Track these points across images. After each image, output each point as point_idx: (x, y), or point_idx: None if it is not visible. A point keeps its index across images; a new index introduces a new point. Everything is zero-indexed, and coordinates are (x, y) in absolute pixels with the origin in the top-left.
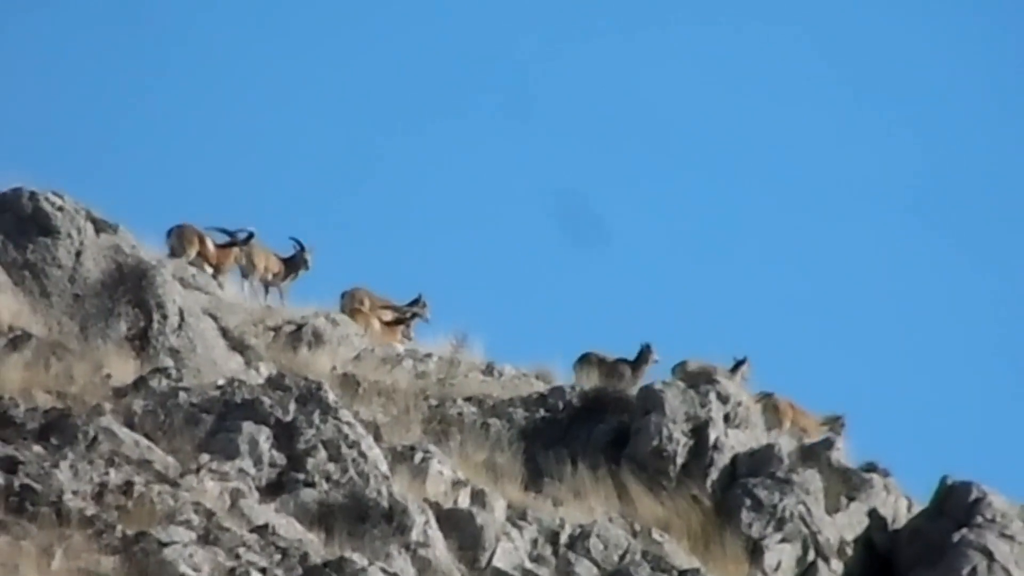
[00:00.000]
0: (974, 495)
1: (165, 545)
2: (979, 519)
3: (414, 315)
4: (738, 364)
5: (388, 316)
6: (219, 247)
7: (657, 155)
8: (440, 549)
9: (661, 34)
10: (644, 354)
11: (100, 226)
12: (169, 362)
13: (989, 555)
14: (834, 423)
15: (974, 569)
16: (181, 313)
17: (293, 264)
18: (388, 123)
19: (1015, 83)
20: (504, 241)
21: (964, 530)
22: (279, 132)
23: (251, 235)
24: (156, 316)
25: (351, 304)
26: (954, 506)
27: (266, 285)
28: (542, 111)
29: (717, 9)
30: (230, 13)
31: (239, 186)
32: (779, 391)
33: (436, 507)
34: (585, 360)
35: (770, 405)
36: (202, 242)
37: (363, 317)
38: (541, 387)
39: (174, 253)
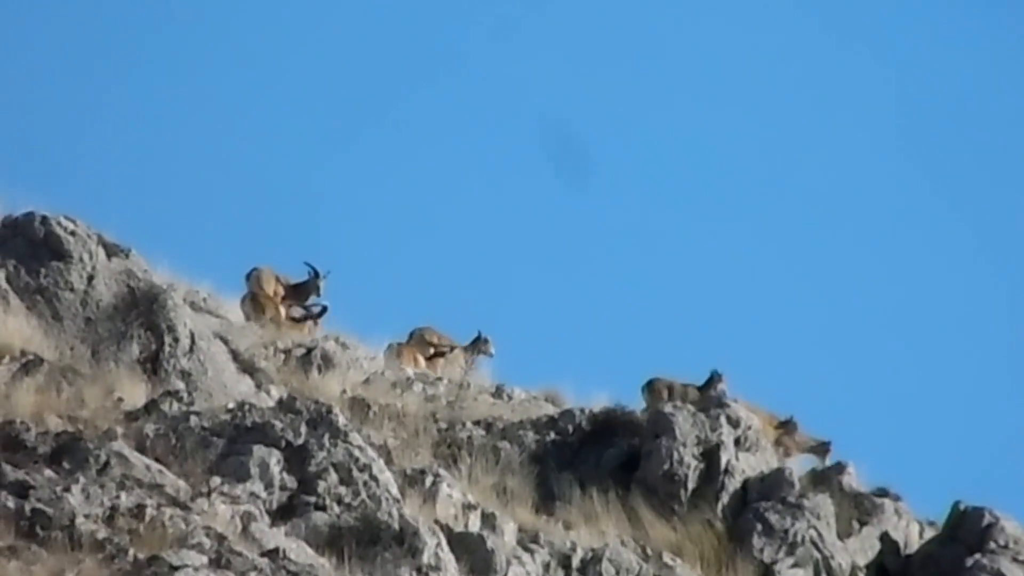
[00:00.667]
0: (987, 520)
1: (176, 569)
2: (992, 544)
3: (453, 348)
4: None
5: (430, 352)
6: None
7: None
8: (452, 572)
9: None
10: (713, 380)
11: (112, 250)
12: (180, 385)
13: None
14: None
15: None
16: (192, 336)
17: (304, 289)
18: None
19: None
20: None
21: (977, 555)
22: (271, 135)
23: (324, 309)
24: (167, 339)
25: (420, 343)
26: (967, 531)
27: None
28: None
29: None
30: (240, 30)
31: (247, 197)
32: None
33: (447, 530)
34: (652, 386)
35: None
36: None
37: (409, 353)
38: (551, 410)
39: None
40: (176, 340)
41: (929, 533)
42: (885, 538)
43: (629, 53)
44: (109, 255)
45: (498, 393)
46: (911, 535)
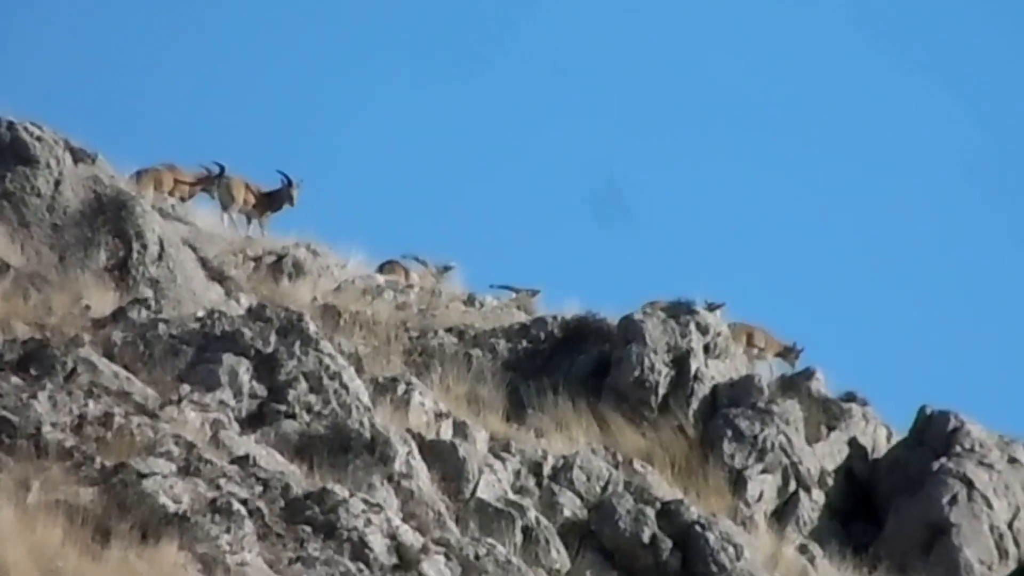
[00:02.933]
0: (952, 424)
1: (144, 476)
2: (958, 448)
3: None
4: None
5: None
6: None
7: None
8: (423, 480)
9: (698, 11)
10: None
11: (79, 156)
12: (149, 293)
13: (969, 484)
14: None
15: (954, 498)
16: (161, 243)
17: (277, 197)
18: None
19: None
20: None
21: (943, 459)
22: (272, 67)
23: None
24: (135, 246)
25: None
26: (933, 435)
27: (248, 217)
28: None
29: None
30: None
31: (225, 118)
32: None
33: (418, 438)
34: None
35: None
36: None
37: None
38: (523, 318)
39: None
40: (144, 247)
41: (896, 438)
42: (853, 443)
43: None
44: (76, 161)
45: (470, 301)
46: (879, 440)
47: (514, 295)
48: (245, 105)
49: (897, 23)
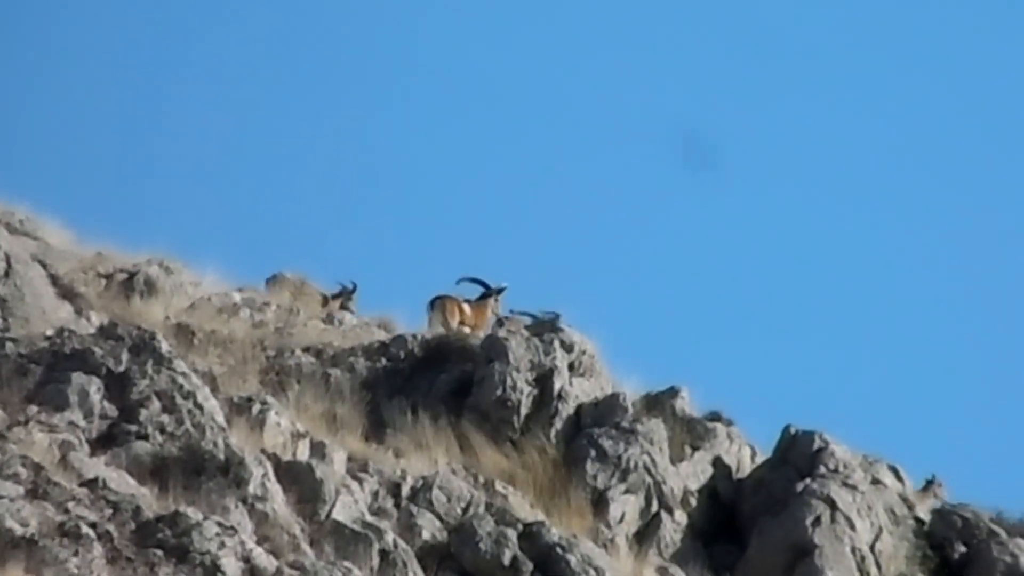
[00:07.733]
0: (817, 445)
1: None
2: (822, 469)
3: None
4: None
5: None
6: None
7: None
8: (278, 502)
9: None
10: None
11: None
12: None
13: (832, 504)
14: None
15: (817, 519)
16: (8, 260)
17: (485, 304)
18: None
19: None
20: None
21: (807, 480)
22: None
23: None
24: None
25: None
26: (797, 456)
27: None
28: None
29: None
30: None
31: (75, 114)
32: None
33: (275, 459)
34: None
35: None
36: (461, 311)
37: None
38: (383, 336)
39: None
40: None
41: (761, 457)
42: (717, 463)
43: (755, 52)
44: None
45: (329, 319)
46: (743, 459)
47: (530, 320)
48: (101, 120)
49: None
